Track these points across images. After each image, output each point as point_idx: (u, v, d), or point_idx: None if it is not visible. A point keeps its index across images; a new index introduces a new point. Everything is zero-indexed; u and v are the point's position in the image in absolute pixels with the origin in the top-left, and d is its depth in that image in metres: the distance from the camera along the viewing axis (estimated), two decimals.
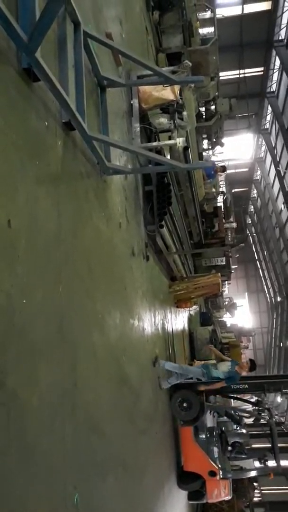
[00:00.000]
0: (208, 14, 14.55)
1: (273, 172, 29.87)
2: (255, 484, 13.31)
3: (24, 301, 2.03)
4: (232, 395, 9.48)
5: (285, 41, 21.38)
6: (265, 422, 9.85)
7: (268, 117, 28.72)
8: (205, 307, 23.31)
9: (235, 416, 9.75)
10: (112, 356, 3.73)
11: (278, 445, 8.50)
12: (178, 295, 10.12)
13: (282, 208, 29.43)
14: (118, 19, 5.40)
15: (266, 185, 33.79)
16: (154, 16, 9.59)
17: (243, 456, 8.77)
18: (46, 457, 2.17)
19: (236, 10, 20.79)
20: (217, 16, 14.80)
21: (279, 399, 29.73)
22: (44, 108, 2.53)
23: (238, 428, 10.72)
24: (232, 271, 23.11)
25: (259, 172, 35.42)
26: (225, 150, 22.19)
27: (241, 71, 23.86)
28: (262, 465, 8.67)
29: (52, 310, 2.39)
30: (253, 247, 45.65)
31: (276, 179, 28.82)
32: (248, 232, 40.00)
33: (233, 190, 28.19)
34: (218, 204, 17.83)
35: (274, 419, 9.49)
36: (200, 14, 13.62)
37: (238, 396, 9.70)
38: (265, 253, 40.58)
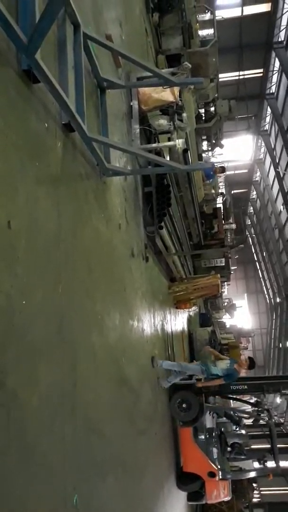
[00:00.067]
0: (207, 16, 14.58)
1: (272, 173, 29.90)
2: (254, 485, 13.26)
3: (24, 301, 2.04)
4: (231, 396, 9.48)
5: (284, 42, 21.40)
6: (265, 423, 9.87)
7: (268, 119, 28.76)
8: (204, 308, 23.33)
9: (235, 417, 9.73)
10: (111, 357, 3.73)
11: (278, 446, 8.52)
12: (178, 296, 10.12)
13: (282, 209, 29.45)
14: (118, 21, 5.42)
15: (265, 186, 33.81)
16: (154, 18, 9.61)
17: (243, 457, 8.74)
18: (46, 457, 2.18)
19: (235, 12, 20.83)
20: (216, 17, 14.83)
21: (278, 400, 29.75)
22: (44, 110, 2.54)
23: (237, 429, 10.70)
24: (232, 272, 23.16)
25: (258, 174, 35.43)
26: (225, 151, 22.14)
27: (241, 73, 23.91)
28: (262, 466, 8.68)
29: (52, 311, 2.40)
30: (253, 248, 45.68)
31: (276, 180, 28.87)
32: (247, 233, 40.04)
33: (232, 192, 28.27)
34: (218, 205, 17.86)
35: (273, 420, 9.49)
36: (199, 16, 13.65)
37: (238, 397, 9.70)
38: (264, 254, 40.59)
